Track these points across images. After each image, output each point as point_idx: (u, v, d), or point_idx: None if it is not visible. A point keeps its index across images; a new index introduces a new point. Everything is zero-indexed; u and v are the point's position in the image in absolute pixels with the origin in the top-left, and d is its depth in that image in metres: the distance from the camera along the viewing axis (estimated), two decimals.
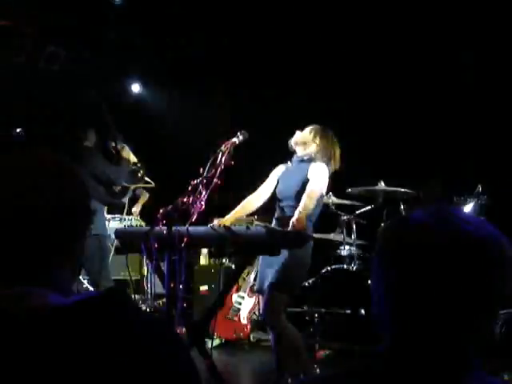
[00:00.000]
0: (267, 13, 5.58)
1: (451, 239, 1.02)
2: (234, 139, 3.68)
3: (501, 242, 1.04)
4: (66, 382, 0.91)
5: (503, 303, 1.04)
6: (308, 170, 3.89)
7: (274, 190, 4.05)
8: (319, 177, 3.86)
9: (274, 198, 4.05)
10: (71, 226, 1.08)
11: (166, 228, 3.30)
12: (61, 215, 1.06)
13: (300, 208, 3.67)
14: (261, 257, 4.03)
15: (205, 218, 3.63)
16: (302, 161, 3.98)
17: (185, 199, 3.41)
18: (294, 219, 3.58)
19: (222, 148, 3.62)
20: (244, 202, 4.10)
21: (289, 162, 4.10)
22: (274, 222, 3.98)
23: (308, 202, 3.73)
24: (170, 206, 3.34)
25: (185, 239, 3.29)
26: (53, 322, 0.94)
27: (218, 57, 5.92)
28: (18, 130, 4.86)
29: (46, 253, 1.05)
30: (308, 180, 3.86)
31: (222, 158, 3.56)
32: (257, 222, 3.99)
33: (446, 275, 1.01)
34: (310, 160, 3.95)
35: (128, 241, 3.60)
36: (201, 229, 3.45)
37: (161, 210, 3.32)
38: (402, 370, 1.03)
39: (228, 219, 3.95)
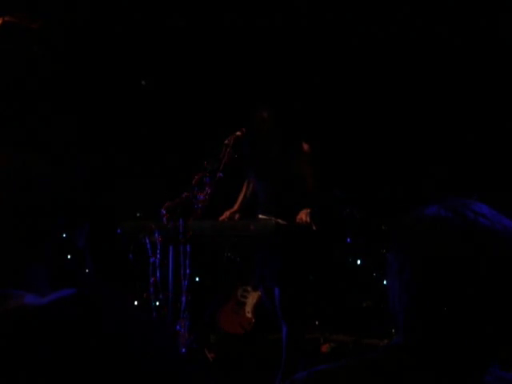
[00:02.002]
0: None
1: (468, 233, 1.01)
2: (237, 133, 3.68)
3: None
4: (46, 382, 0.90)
5: None
6: (293, 153, 3.89)
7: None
8: (314, 162, 3.85)
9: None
10: (36, 225, 1.07)
11: (170, 222, 3.31)
12: (29, 213, 1.06)
13: (307, 204, 3.68)
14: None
15: (210, 211, 3.64)
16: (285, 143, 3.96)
17: (189, 193, 3.42)
18: (301, 214, 3.59)
19: (226, 142, 3.62)
20: (241, 194, 4.11)
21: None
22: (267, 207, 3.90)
23: (314, 192, 3.74)
24: (174, 201, 3.35)
25: (189, 233, 3.31)
26: (27, 323, 0.93)
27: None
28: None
29: (17, 252, 1.05)
30: (293, 163, 3.85)
31: (225, 152, 3.57)
32: (262, 216, 4.00)
33: (464, 270, 0.99)
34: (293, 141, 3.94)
35: (132, 235, 3.61)
36: (205, 223, 3.46)
37: (165, 204, 3.33)
38: (416, 364, 1.02)
39: (236, 208, 3.97)
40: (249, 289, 5.93)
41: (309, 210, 3.63)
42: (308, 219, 3.58)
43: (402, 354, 1.04)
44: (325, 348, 5.03)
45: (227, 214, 3.89)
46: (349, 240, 5.50)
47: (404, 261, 1.04)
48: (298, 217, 3.60)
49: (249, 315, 5.85)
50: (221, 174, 3.49)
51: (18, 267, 1.04)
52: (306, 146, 3.87)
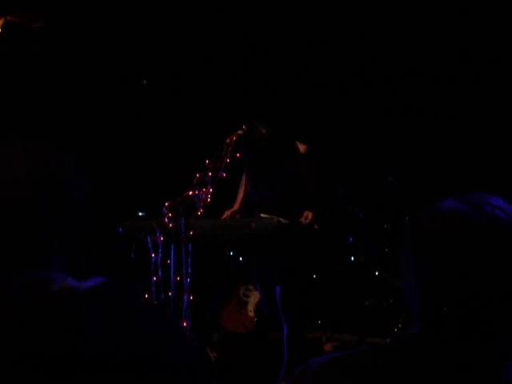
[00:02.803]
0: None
1: (486, 226, 1.01)
2: (239, 132, 3.68)
3: None
4: (91, 363, 0.98)
5: None
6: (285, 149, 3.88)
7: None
8: (312, 163, 3.85)
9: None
10: (61, 221, 1.12)
11: (172, 221, 3.31)
12: (56, 209, 1.10)
13: (311, 204, 3.67)
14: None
15: (211, 210, 3.64)
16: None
17: (190, 192, 3.42)
18: (306, 213, 3.57)
19: (227, 141, 3.62)
20: (239, 194, 4.10)
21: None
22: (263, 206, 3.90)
23: (315, 192, 3.74)
24: (176, 199, 3.34)
25: (191, 232, 3.30)
26: (74, 305, 1.01)
27: None
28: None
29: (46, 239, 1.09)
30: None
31: (227, 151, 3.57)
32: (263, 215, 4.00)
33: (482, 262, 1.00)
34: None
35: (133, 234, 3.61)
36: (207, 221, 3.46)
37: (166, 203, 3.33)
38: (436, 353, 1.02)
39: (236, 207, 3.96)
40: (251, 288, 5.92)
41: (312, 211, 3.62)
42: (312, 219, 3.58)
43: (419, 344, 1.04)
44: (327, 347, 5.02)
45: (228, 213, 3.88)
46: (351, 239, 5.49)
47: (422, 254, 1.04)
48: (303, 216, 3.59)
49: (251, 314, 5.84)
50: (222, 173, 3.49)
51: (40, 258, 1.09)
52: (303, 147, 3.87)
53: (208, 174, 3.47)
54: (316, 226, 3.73)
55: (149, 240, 3.39)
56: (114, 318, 1.03)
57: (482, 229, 1.01)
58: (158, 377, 1.02)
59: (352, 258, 5.31)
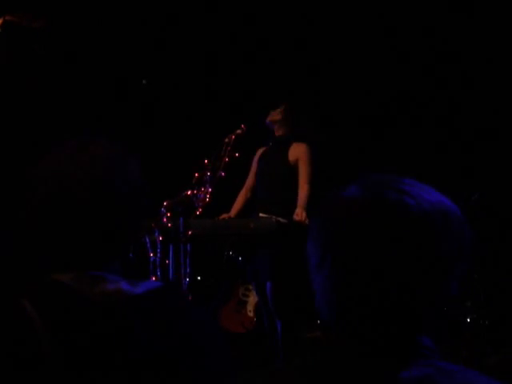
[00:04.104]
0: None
1: (387, 215, 0.88)
2: (238, 131, 3.68)
3: (446, 216, 0.91)
4: (139, 364, 1.02)
5: (456, 287, 0.92)
6: (288, 151, 3.88)
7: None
8: (306, 161, 3.84)
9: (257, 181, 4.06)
10: (129, 218, 1.15)
11: (170, 221, 3.31)
12: (124, 207, 1.13)
13: (302, 201, 3.67)
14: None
15: (210, 210, 3.64)
16: (280, 141, 3.97)
17: (189, 192, 3.41)
18: (298, 210, 3.59)
19: (226, 140, 3.62)
20: (239, 198, 4.10)
21: (270, 143, 4.08)
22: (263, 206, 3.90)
23: (308, 189, 3.73)
24: (175, 199, 3.34)
25: (189, 232, 3.30)
26: (127, 307, 1.05)
27: None
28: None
29: (109, 241, 1.12)
30: (288, 161, 3.85)
31: (226, 151, 3.57)
32: (262, 215, 4.00)
33: (384, 254, 0.88)
34: (287, 139, 3.93)
35: None
36: (206, 221, 3.46)
37: (165, 203, 3.33)
38: (344, 357, 0.92)
39: (232, 214, 3.96)
40: (250, 287, 5.92)
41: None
42: (304, 216, 3.58)
43: (332, 348, 0.94)
44: None
45: (225, 216, 3.88)
46: None
47: (323, 253, 0.92)
48: (295, 213, 3.60)
49: (250, 314, 5.84)
50: (221, 173, 3.49)
51: (99, 257, 1.11)
52: (302, 146, 3.87)
53: (207, 174, 3.46)
54: (308, 222, 3.72)
55: (147, 240, 3.39)
56: (162, 321, 1.06)
57: (383, 220, 0.88)
58: (196, 377, 1.06)
59: None
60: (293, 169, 3.83)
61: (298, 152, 3.86)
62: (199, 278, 6.03)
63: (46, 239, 1.10)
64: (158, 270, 3.26)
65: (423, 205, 0.90)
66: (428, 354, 0.89)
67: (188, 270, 3.36)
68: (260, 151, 4.12)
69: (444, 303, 0.92)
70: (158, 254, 3.42)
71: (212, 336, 1.15)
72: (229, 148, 3.58)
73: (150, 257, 3.37)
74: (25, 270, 1.09)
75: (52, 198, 1.09)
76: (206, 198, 3.43)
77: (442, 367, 0.87)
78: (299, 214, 3.57)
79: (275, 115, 3.97)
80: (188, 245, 3.35)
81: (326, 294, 0.94)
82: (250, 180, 4.12)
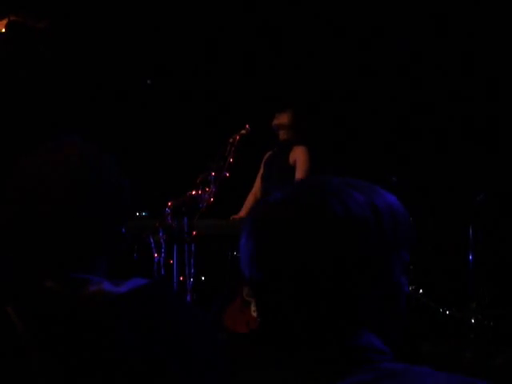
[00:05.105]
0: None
1: (304, 216, 0.85)
2: (242, 131, 3.68)
3: (376, 213, 0.87)
4: (126, 364, 1.01)
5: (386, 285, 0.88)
6: (289, 154, 3.89)
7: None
8: (302, 162, 3.84)
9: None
10: (103, 223, 1.13)
11: (175, 221, 3.31)
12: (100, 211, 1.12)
13: None
14: None
15: (214, 210, 3.64)
16: (284, 145, 3.98)
17: (193, 192, 3.41)
18: None
19: (231, 140, 3.62)
20: (249, 198, 4.11)
21: (275, 148, 4.10)
22: None
23: None
24: (179, 199, 3.34)
25: (194, 232, 3.30)
26: (110, 308, 1.03)
27: None
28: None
29: (91, 240, 1.11)
30: (289, 164, 3.86)
31: (230, 151, 3.57)
32: None
33: (304, 253, 0.85)
34: (291, 143, 3.94)
35: (136, 233, 3.61)
36: (210, 221, 3.46)
37: (169, 203, 3.33)
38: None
39: (242, 215, 3.97)
40: None
41: None
42: None
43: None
44: None
45: (235, 217, 3.89)
46: None
47: (251, 257, 0.92)
48: None
49: (255, 314, 5.83)
50: (225, 173, 3.49)
51: (82, 258, 1.10)
52: (301, 147, 3.88)
53: (211, 174, 3.46)
54: None
55: (151, 240, 3.39)
56: (147, 320, 1.05)
57: (296, 220, 0.86)
58: (186, 377, 1.04)
59: None
60: (293, 171, 3.84)
61: (296, 153, 3.88)
62: (203, 278, 6.03)
63: (24, 244, 1.08)
64: (162, 270, 3.27)
65: (348, 204, 0.86)
66: (375, 357, 0.84)
67: (192, 270, 3.36)
68: (267, 155, 4.14)
69: (382, 296, 0.87)
70: (163, 254, 3.42)
71: (201, 335, 1.10)
72: (233, 148, 3.57)
73: (154, 257, 3.37)
74: (8, 277, 1.07)
75: (27, 201, 1.07)
76: (210, 198, 3.43)
77: (385, 370, 0.82)
78: None
79: (281, 119, 3.98)
80: (192, 245, 3.35)
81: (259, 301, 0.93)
82: (258, 182, 4.14)
